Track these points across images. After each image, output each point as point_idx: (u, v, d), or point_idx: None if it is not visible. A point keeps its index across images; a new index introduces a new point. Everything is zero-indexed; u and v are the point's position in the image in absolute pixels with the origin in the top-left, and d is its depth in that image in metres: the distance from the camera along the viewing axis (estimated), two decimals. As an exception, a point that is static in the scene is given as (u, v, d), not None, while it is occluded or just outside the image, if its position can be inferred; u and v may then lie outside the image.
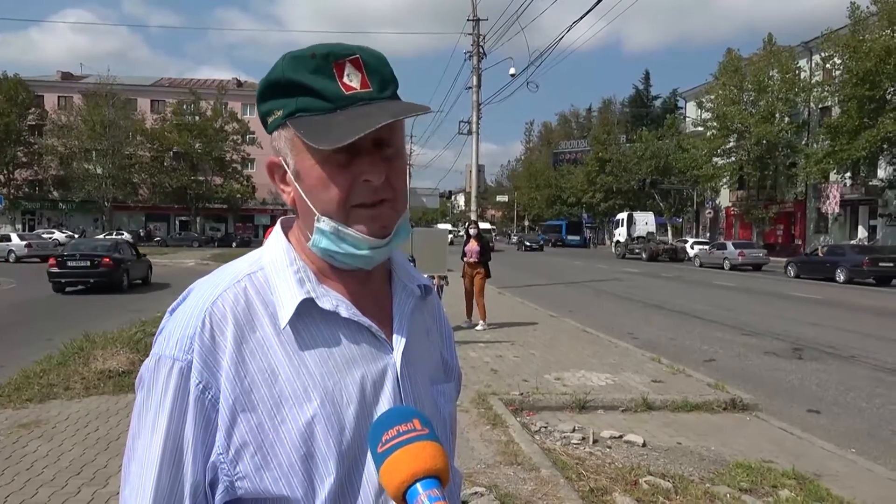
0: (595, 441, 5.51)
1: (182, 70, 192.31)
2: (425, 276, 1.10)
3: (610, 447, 5.40)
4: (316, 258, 0.93)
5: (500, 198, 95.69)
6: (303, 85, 0.85)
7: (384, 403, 0.89)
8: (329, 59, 0.85)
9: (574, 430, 5.73)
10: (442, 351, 1.08)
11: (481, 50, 22.13)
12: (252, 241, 52.84)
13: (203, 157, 55.34)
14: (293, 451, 0.84)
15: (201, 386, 0.84)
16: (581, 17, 16.71)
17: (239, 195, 57.62)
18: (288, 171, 0.91)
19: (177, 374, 0.84)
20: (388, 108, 0.85)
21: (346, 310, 0.90)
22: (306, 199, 0.89)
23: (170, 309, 0.94)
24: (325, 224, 0.88)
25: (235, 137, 56.68)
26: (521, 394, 6.67)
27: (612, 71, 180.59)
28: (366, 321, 0.91)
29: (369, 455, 0.86)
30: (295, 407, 0.85)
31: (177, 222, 61.04)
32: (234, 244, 51.98)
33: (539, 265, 34.21)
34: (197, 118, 55.66)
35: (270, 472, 0.84)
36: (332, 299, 0.90)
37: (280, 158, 0.92)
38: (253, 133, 56.11)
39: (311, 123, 0.84)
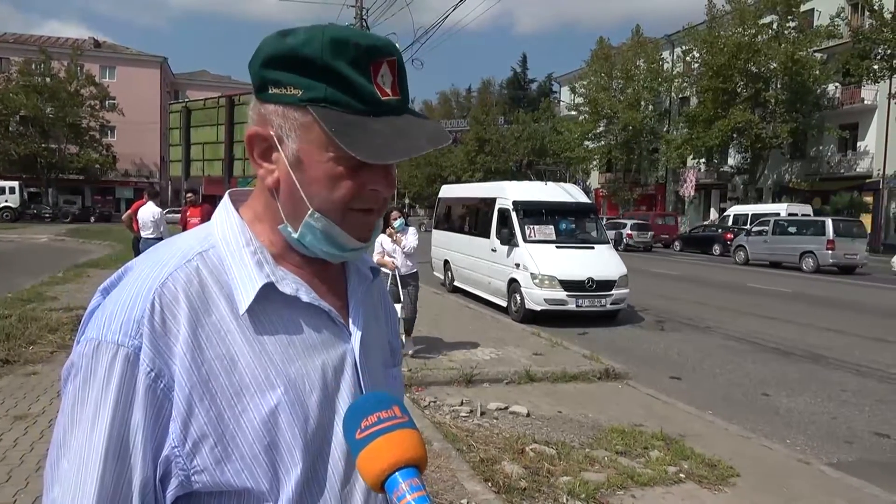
0: (482, 413, 5.69)
1: (27, 24, 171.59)
2: None
3: (497, 418, 5.60)
4: (275, 239, 0.88)
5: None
6: (342, 75, 0.79)
7: (345, 390, 0.87)
8: (371, 54, 0.80)
9: (462, 404, 5.89)
10: (388, 334, 1.07)
11: (365, 23, 21.75)
12: (112, 215, 49.04)
13: (56, 122, 50.38)
14: (256, 441, 0.80)
15: (153, 374, 0.77)
16: (465, -3, 16.80)
17: (97, 165, 53.03)
18: (279, 151, 0.84)
19: (122, 360, 0.77)
20: (422, 130, 0.83)
21: (306, 294, 0.86)
22: (301, 190, 0.83)
23: (102, 288, 0.85)
24: (317, 221, 0.84)
25: (93, 102, 52.04)
26: (410, 370, 6.73)
27: (493, 53, 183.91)
28: (325, 306, 0.88)
29: (334, 444, 0.85)
30: (257, 395, 0.81)
31: (25, 194, 55.48)
32: (92, 219, 48.10)
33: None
34: (48, 80, 50.50)
35: (232, 465, 0.79)
36: (291, 283, 0.86)
37: (268, 131, 0.84)
38: (113, 99, 51.78)
39: (343, 123, 0.78)
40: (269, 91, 0.82)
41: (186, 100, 14.81)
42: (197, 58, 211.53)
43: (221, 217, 0.90)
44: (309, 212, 0.84)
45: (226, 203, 0.92)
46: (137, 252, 9.91)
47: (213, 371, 0.79)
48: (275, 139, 0.84)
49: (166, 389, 0.78)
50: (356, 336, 0.91)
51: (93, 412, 0.76)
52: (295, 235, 0.86)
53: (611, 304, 10.78)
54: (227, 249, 0.86)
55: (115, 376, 0.76)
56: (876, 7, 27.85)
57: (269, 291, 0.84)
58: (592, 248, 11.38)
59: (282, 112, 0.82)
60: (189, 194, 11.17)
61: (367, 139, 0.78)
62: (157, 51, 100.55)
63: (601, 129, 46.23)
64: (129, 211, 10.68)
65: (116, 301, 0.80)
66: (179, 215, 12.00)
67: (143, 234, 9.84)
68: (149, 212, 9.86)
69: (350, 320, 0.92)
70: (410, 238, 7.44)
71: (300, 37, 0.80)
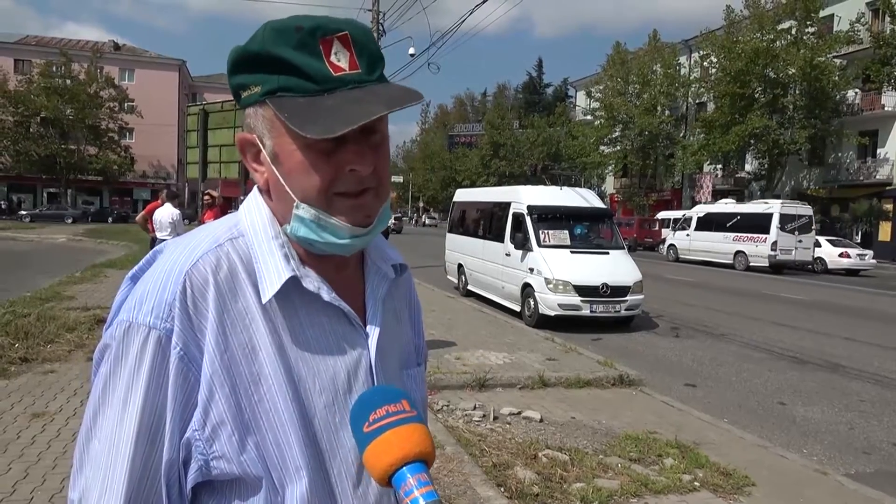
0: (495, 418, 5.67)
1: (46, 27, 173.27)
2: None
3: (510, 423, 5.58)
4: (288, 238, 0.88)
5: (395, 178, 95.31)
6: (286, 62, 0.78)
7: (357, 391, 0.87)
8: (315, 34, 0.79)
9: (475, 408, 5.87)
10: (410, 333, 1.06)
11: (381, 27, 21.82)
12: (130, 216, 49.56)
13: (75, 124, 50.99)
14: (269, 433, 0.80)
15: (186, 357, 0.78)
16: (483, 1, 16.83)
17: (116, 167, 53.65)
18: (263, 151, 0.85)
19: (154, 343, 0.77)
20: (380, 96, 0.80)
21: (327, 293, 0.86)
22: (284, 184, 0.83)
23: (130, 275, 0.86)
24: (304, 211, 0.83)
25: (112, 105, 52.63)
26: (422, 373, 6.73)
27: (509, 57, 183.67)
28: (345, 306, 0.88)
29: (346, 444, 0.84)
30: (273, 387, 0.81)
31: (45, 194, 56.19)
32: (110, 219, 48.64)
33: (427, 246, 34.48)
34: (68, 82, 51.17)
35: (247, 454, 0.80)
36: (314, 280, 0.86)
37: (254, 136, 0.85)
38: (132, 101, 52.42)
39: (296, 106, 0.78)
40: (242, 96, 0.84)
41: (204, 102, 14.90)
42: (214, 61, 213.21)
43: (251, 207, 0.90)
44: (295, 203, 0.83)
45: (255, 194, 0.92)
46: (154, 253, 9.98)
47: (235, 358, 0.80)
48: (258, 140, 0.85)
49: (196, 372, 0.78)
50: (372, 338, 0.90)
51: (124, 394, 0.77)
52: (289, 230, 0.86)
53: (625, 309, 10.71)
54: (256, 239, 0.86)
55: (146, 359, 0.77)
56: (897, 12, 27.53)
57: (291, 286, 0.84)
58: (607, 253, 11.33)
59: (253, 112, 0.84)
60: (206, 196, 11.25)
61: (315, 116, 0.77)
62: (175, 53, 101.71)
63: (617, 133, 46.04)
64: (143, 212, 10.77)
65: (148, 283, 0.81)
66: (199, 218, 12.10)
67: (160, 235, 9.93)
68: (167, 213, 9.96)
69: (367, 322, 0.92)
70: None
71: (251, 38, 0.82)
